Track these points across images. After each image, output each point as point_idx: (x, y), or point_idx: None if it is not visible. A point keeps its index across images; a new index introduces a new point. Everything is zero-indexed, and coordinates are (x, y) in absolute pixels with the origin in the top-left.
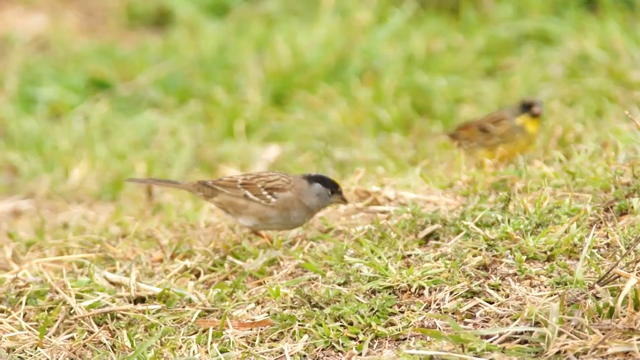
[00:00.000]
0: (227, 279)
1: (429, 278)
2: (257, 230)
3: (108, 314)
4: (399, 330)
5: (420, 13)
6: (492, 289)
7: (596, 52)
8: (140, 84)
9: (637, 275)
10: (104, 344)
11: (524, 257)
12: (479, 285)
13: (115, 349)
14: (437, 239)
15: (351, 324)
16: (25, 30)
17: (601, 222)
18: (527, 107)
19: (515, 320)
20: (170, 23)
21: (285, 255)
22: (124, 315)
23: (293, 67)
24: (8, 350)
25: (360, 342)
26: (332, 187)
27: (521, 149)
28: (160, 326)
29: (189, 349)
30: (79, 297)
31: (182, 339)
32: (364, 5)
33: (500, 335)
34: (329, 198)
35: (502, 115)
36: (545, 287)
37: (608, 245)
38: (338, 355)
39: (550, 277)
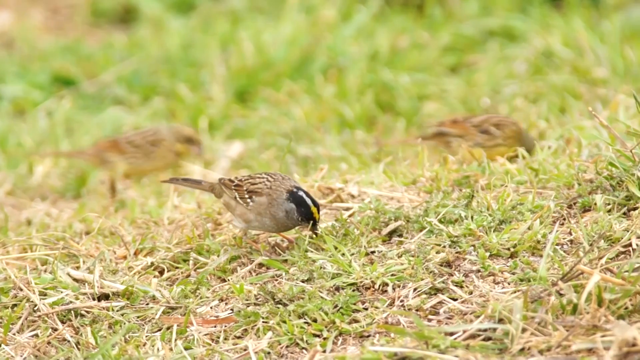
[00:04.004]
0: (190, 275)
1: (392, 275)
2: (249, 231)
3: (72, 311)
4: (363, 327)
5: (385, 10)
6: (456, 286)
7: (561, 49)
8: (105, 81)
9: (600, 272)
10: (68, 341)
11: (487, 254)
12: (443, 282)
13: (79, 346)
14: (400, 235)
15: (315, 320)
16: None
17: (564, 219)
18: None
19: (479, 317)
20: (135, 20)
21: (248, 252)
22: (87, 312)
23: (258, 64)
24: None
25: (324, 339)
26: (305, 217)
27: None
28: (124, 323)
29: (153, 346)
30: (43, 294)
31: (146, 336)
32: (329, 3)
33: (464, 332)
34: (297, 222)
35: (504, 119)
36: (509, 284)
37: (571, 241)
38: (302, 352)
39: (513, 273)
